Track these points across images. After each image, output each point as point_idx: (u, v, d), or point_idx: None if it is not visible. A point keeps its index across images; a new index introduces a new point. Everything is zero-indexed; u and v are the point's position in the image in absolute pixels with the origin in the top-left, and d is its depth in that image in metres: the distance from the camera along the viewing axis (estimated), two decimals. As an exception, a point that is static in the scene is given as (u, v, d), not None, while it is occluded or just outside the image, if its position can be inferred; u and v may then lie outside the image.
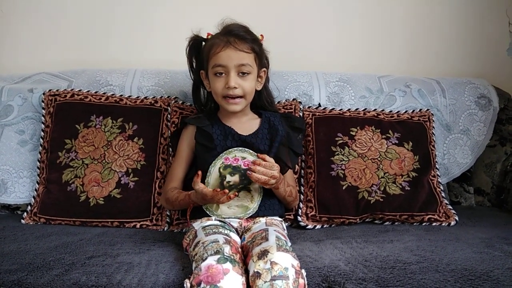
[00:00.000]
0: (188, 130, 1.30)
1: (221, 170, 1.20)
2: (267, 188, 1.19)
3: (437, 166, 1.49)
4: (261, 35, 1.28)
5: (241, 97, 1.22)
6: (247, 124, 1.29)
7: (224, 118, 1.29)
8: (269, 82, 1.38)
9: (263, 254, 0.92)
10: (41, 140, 1.46)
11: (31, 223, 1.35)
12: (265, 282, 0.86)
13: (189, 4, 1.78)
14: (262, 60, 1.28)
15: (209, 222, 1.14)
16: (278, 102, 1.52)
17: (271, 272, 0.87)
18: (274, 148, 1.24)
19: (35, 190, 1.42)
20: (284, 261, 0.90)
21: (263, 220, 1.18)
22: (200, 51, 1.29)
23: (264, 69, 1.30)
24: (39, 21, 1.77)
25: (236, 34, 1.21)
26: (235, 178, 1.20)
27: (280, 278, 0.86)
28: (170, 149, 1.41)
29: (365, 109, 1.55)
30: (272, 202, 1.23)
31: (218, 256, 0.90)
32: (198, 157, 1.26)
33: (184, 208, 1.23)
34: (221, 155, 1.22)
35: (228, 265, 0.88)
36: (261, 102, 1.35)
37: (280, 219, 1.25)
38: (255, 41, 1.24)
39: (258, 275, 0.88)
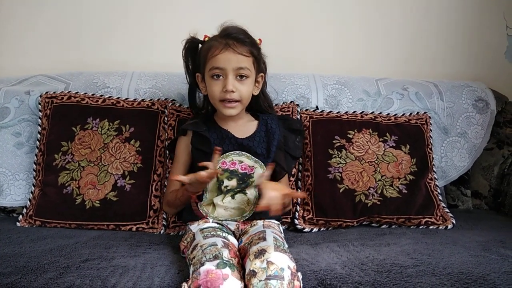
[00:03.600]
0: (185, 136, 1.29)
1: (218, 174, 1.20)
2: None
3: (434, 169, 1.49)
4: (259, 39, 1.26)
5: (237, 101, 1.21)
6: (244, 127, 1.29)
7: (220, 121, 1.29)
8: (266, 86, 1.37)
9: (260, 253, 0.92)
10: (37, 142, 1.45)
11: (26, 226, 1.34)
12: (260, 281, 0.86)
13: (187, 7, 1.78)
14: (260, 64, 1.26)
15: (207, 224, 1.14)
16: (276, 105, 1.51)
17: (266, 271, 0.87)
18: (272, 153, 1.24)
19: (31, 192, 1.41)
20: (281, 261, 0.89)
21: (260, 222, 1.18)
22: (196, 54, 1.28)
23: (262, 74, 1.28)
24: (36, 23, 1.76)
25: (235, 37, 1.19)
26: (233, 182, 1.19)
27: (275, 278, 0.86)
28: (167, 152, 1.40)
29: (363, 112, 1.55)
30: (268, 205, 1.22)
31: (218, 261, 0.90)
32: (195, 161, 1.24)
33: (187, 205, 1.22)
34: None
35: (227, 270, 0.88)
36: (258, 106, 1.33)
37: (277, 222, 1.25)
38: (253, 44, 1.23)
39: (253, 273, 0.87)
